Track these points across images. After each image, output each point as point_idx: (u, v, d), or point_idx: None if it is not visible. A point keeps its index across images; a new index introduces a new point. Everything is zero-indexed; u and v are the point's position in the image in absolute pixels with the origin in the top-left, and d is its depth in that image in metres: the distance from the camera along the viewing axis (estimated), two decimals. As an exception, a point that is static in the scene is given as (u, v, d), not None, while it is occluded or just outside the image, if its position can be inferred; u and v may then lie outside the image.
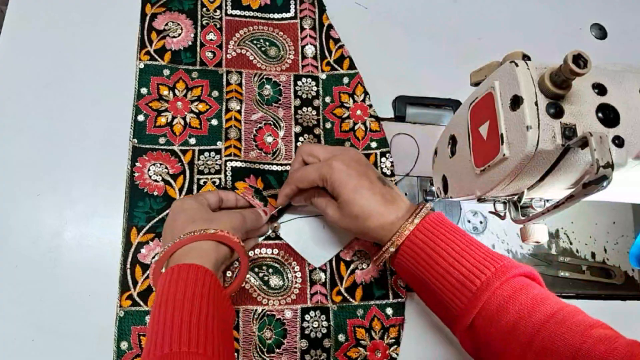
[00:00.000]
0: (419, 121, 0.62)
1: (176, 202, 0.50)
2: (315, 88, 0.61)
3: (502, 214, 0.47)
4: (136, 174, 0.54)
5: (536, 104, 0.36)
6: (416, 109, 0.62)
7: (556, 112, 0.36)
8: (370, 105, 0.61)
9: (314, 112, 0.60)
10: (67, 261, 0.51)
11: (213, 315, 0.41)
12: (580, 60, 0.33)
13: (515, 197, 0.43)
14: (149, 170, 0.54)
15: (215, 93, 0.58)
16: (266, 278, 0.53)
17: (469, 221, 0.60)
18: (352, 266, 0.55)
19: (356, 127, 0.60)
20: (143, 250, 0.52)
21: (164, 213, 0.53)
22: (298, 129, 0.59)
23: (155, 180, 0.54)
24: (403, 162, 0.60)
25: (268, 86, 0.60)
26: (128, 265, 0.51)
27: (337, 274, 0.55)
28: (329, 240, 0.55)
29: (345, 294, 0.54)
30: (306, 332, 0.52)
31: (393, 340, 0.53)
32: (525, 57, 0.40)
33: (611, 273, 0.61)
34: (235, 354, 0.50)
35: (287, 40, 0.63)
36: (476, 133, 0.42)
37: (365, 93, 0.62)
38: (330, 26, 0.64)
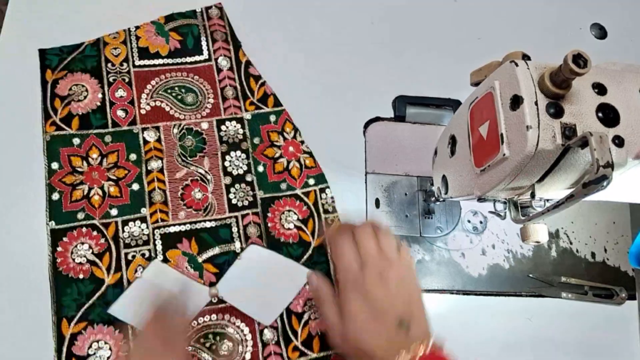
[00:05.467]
0: (419, 121, 0.62)
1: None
2: (241, 130, 0.57)
3: (502, 214, 0.47)
4: (59, 260, 0.50)
5: (536, 103, 0.36)
6: (416, 109, 0.62)
7: (556, 112, 0.36)
8: (303, 142, 0.58)
9: (244, 156, 0.56)
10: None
11: None
12: (580, 60, 0.33)
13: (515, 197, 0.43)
14: (71, 253, 0.50)
15: (133, 156, 0.54)
16: (214, 347, 0.50)
17: (469, 221, 0.60)
18: (305, 317, 0.52)
19: (290, 166, 0.57)
20: (77, 342, 0.48)
21: (94, 297, 0.49)
22: (228, 179, 0.55)
23: (80, 263, 0.50)
24: (403, 162, 0.60)
25: (190, 136, 0.56)
26: None
27: (290, 329, 0.51)
28: (275, 293, 0.52)
29: (302, 348, 0.51)
30: None
31: None
32: (525, 57, 0.40)
33: (612, 293, 0.59)
34: None
35: (204, 84, 0.58)
36: (476, 133, 0.42)
37: (295, 129, 0.58)
38: (248, 63, 0.60)
